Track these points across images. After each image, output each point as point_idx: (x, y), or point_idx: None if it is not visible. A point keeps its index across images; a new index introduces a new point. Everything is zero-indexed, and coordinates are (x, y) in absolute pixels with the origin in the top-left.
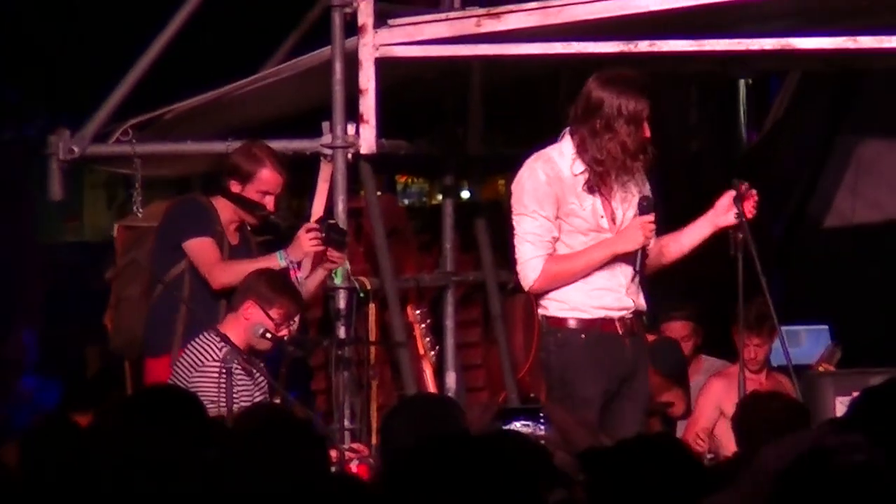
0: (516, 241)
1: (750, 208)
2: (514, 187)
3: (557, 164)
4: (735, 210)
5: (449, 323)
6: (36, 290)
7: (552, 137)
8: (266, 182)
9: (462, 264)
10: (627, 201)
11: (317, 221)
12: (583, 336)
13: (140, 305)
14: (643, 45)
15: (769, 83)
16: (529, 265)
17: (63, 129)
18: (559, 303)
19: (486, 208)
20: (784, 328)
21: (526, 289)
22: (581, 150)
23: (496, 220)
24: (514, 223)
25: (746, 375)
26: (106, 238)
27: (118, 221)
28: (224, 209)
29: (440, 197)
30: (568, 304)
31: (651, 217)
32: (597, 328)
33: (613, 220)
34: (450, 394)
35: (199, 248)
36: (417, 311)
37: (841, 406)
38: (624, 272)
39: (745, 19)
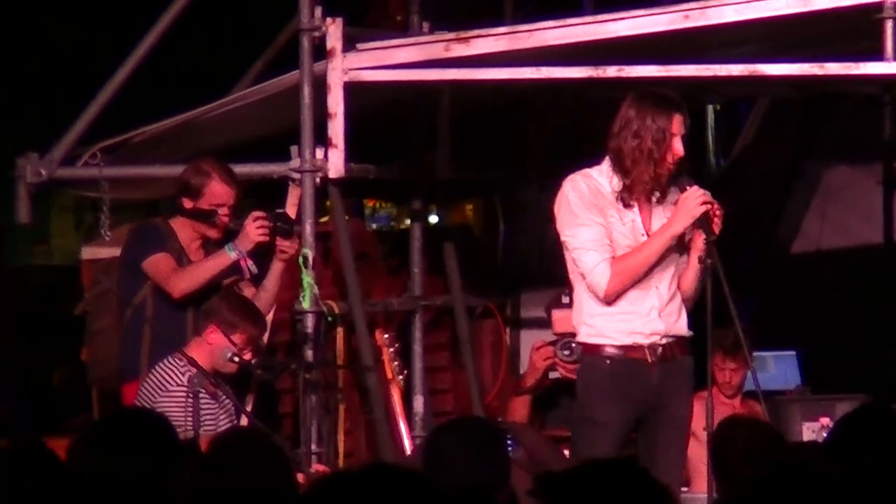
0: (577, 255)
1: (716, 226)
2: (557, 206)
3: (596, 179)
4: (703, 238)
5: (417, 347)
6: (5, 314)
7: (522, 162)
8: (216, 195)
9: (430, 289)
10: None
11: (264, 211)
12: (608, 362)
13: (113, 336)
14: (611, 71)
15: (738, 109)
16: (597, 272)
17: (31, 153)
18: (588, 327)
19: (455, 233)
20: (753, 354)
21: (601, 296)
22: (615, 166)
23: (464, 245)
24: (568, 238)
25: (721, 400)
26: (74, 261)
27: (86, 245)
28: (182, 228)
29: (408, 221)
30: (595, 330)
31: (696, 188)
32: (623, 355)
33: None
34: (417, 418)
35: (155, 263)
36: (385, 336)
37: (808, 431)
38: (656, 295)
39: (713, 45)
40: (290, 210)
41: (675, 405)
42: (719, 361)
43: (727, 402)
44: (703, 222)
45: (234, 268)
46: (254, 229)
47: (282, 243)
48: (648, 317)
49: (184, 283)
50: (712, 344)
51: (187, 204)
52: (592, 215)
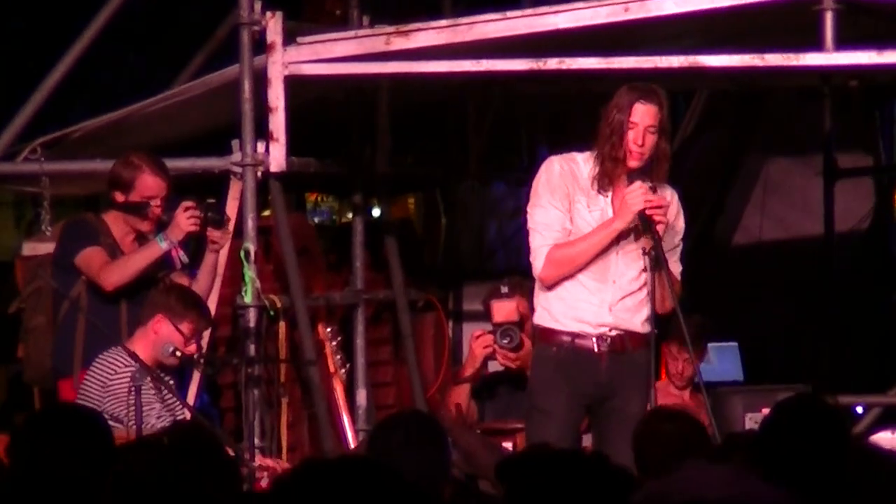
0: (530, 235)
1: (661, 215)
2: (534, 182)
3: (576, 162)
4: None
5: (359, 341)
6: None
7: (460, 158)
8: (148, 187)
9: (372, 283)
10: None
11: (194, 201)
12: (554, 349)
13: (47, 334)
14: (552, 63)
15: (676, 102)
16: (536, 254)
17: None
18: (542, 309)
19: (396, 227)
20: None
21: (536, 278)
22: (594, 150)
23: (406, 239)
24: (528, 217)
25: (671, 391)
26: (14, 258)
27: (27, 240)
28: (115, 223)
29: (350, 215)
30: (549, 314)
31: (637, 183)
32: (569, 343)
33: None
34: (360, 412)
35: (86, 258)
36: (328, 329)
37: (750, 422)
38: (615, 289)
39: (653, 38)
40: (231, 204)
41: (623, 399)
42: (675, 351)
43: (676, 393)
44: (643, 221)
45: (166, 259)
46: (184, 219)
47: (213, 234)
48: (599, 308)
49: (115, 275)
50: (671, 332)
51: (119, 198)
52: (553, 199)
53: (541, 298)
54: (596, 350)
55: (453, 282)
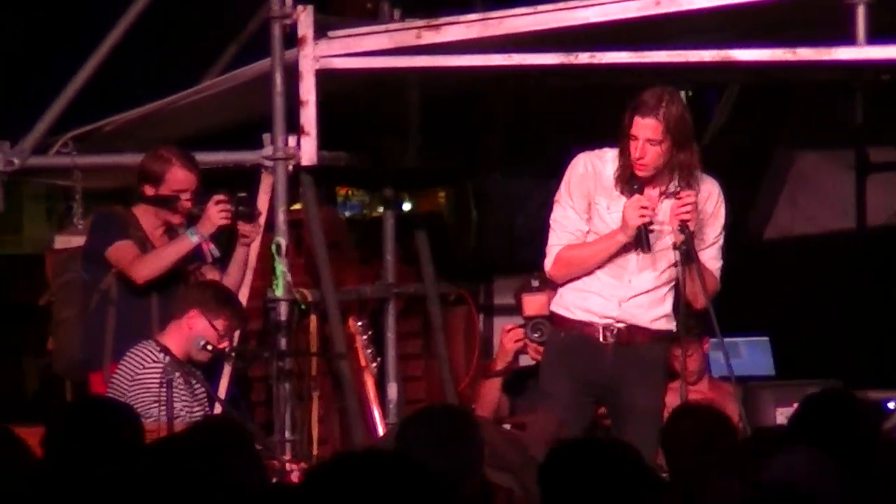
0: (551, 229)
1: (687, 214)
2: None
3: (604, 160)
4: (680, 216)
5: (390, 335)
6: None
7: (489, 150)
8: (178, 181)
9: (403, 276)
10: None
11: (225, 194)
12: (562, 335)
13: (77, 327)
14: (583, 57)
15: (707, 96)
16: (548, 251)
17: (2, 141)
18: (558, 297)
19: (427, 220)
20: (725, 340)
21: (546, 275)
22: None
23: (436, 233)
24: (552, 211)
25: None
26: (45, 251)
27: (58, 233)
28: (145, 216)
29: (380, 209)
30: (562, 301)
31: (638, 197)
32: (577, 329)
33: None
34: (391, 405)
35: (117, 251)
36: (359, 323)
37: (781, 417)
38: (629, 288)
39: (684, 31)
40: (263, 198)
41: (630, 395)
42: (673, 350)
43: (692, 388)
44: (640, 235)
45: (197, 253)
46: (216, 212)
47: (243, 227)
48: (608, 302)
49: (146, 269)
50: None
51: (149, 191)
52: (571, 199)
53: (559, 288)
54: (602, 340)
55: (484, 275)
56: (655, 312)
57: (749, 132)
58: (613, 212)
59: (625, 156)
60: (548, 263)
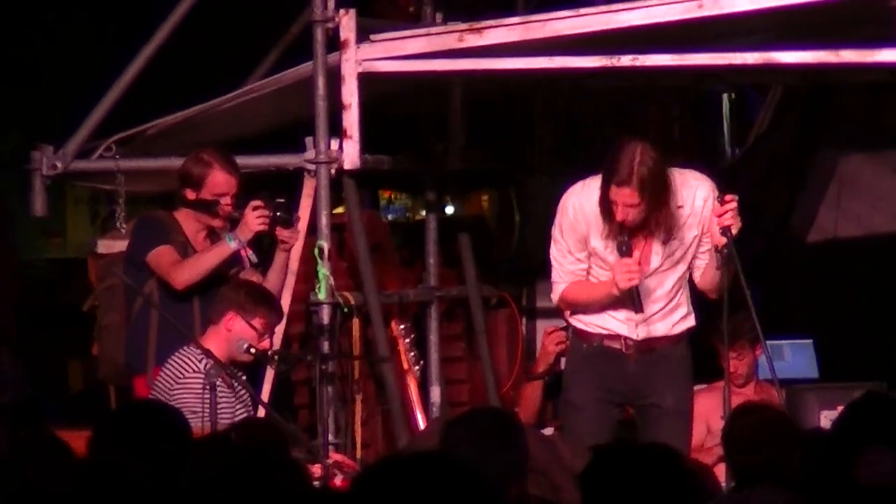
0: (552, 261)
1: (731, 219)
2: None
3: (590, 196)
4: (720, 226)
5: (433, 338)
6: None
7: (531, 153)
8: (218, 184)
9: (445, 279)
10: (658, 243)
11: (263, 200)
12: (583, 345)
13: (120, 332)
14: (626, 60)
15: (751, 97)
16: (553, 287)
17: (46, 146)
18: (575, 310)
19: (469, 223)
20: (768, 342)
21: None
22: None
23: (479, 235)
24: (551, 244)
25: (733, 391)
26: (89, 255)
27: (101, 238)
28: (186, 220)
29: (423, 212)
30: (579, 317)
31: (627, 260)
32: (598, 340)
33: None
34: (434, 408)
35: (157, 256)
36: (401, 326)
37: (825, 420)
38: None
39: (726, 33)
40: (305, 202)
41: (658, 395)
42: (722, 352)
43: (738, 391)
44: (632, 295)
45: (236, 258)
46: (253, 218)
47: (282, 233)
48: (624, 324)
49: (185, 274)
50: (713, 336)
51: (190, 195)
52: (566, 241)
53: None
54: (623, 350)
55: (526, 278)
56: (673, 318)
57: (792, 134)
58: (610, 251)
59: (608, 217)
60: (553, 298)
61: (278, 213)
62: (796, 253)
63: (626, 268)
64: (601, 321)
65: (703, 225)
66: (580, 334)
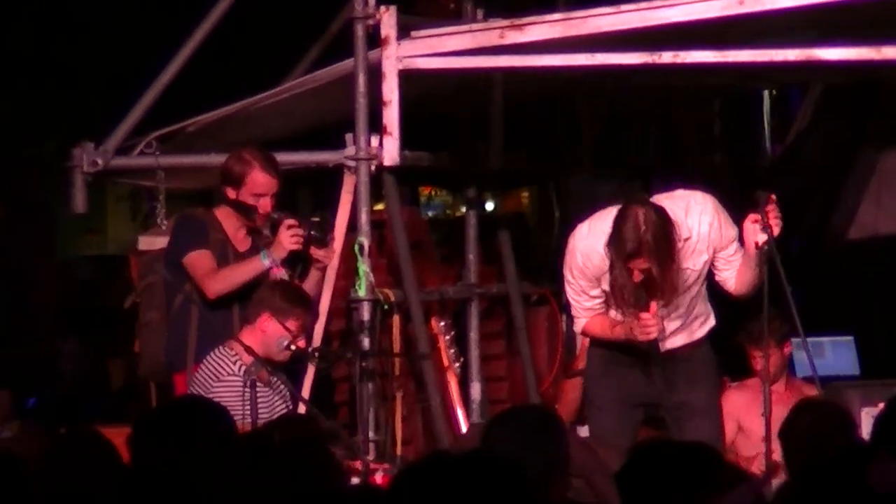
0: (569, 297)
1: (773, 219)
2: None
3: (598, 240)
4: (760, 224)
5: (473, 335)
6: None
7: (573, 150)
8: (258, 184)
9: (485, 276)
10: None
11: (297, 219)
12: (604, 349)
13: (161, 329)
14: (667, 56)
15: (791, 95)
16: (575, 319)
17: (87, 142)
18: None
19: (509, 220)
20: (808, 339)
21: None
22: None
23: (519, 232)
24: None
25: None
26: (130, 252)
27: (142, 234)
28: (227, 218)
29: (463, 209)
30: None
31: (646, 315)
32: (619, 345)
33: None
34: (474, 405)
35: (193, 261)
36: (441, 323)
37: (867, 416)
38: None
39: (768, 30)
40: (345, 198)
41: (687, 393)
42: (751, 351)
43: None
44: (650, 346)
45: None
46: (287, 238)
47: (317, 252)
48: (642, 343)
49: (218, 285)
50: (740, 335)
51: (230, 193)
52: (578, 281)
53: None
54: (647, 355)
55: None
56: (692, 329)
57: (833, 131)
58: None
59: (624, 288)
60: (577, 329)
61: (312, 233)
62: (837, 250)
63: (644, 323)
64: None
65: (713, 247)
66: (600, 340)
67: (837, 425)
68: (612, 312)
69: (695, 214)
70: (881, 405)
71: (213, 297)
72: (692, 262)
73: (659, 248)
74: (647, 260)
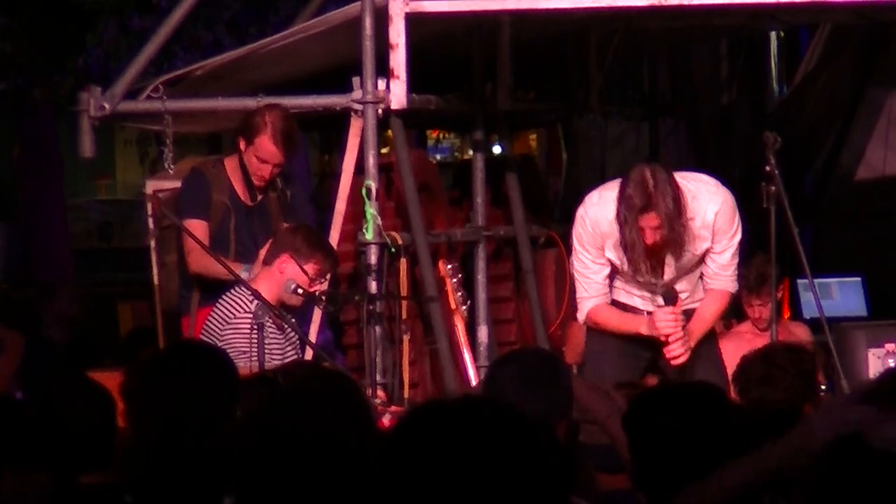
0: (575, 273)
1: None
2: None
3: (605, 207)
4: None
5: (480, 277)
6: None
7: (581, 92)
8: (264, 150)
9: (493, 219)
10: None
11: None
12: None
13: (177, 271)
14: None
15: (799, 36)
16: (580, 305)
17: (94, 87)
18: None
19: (517, 163)
20: (816, 280)
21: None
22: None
23: (527, 175)
24: (571, 260)
25: (757, 334)
26: (138, 195)
27: (150, 178)
28: (234, 172)
29: (471, 152)
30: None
31: (668, 309)
32: (620, 307)
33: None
34: (481, 348)
35: (187, 229)
36: (449, 266)
37: (873, 357)
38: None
39: None
40: (352, 142)
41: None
42: (747, 298)
43: (762, 334)
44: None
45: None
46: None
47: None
48: (646, 301)
49: (197, 266)
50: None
51: (241, 144)
52: (587, 251)
53: None
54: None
55: (574, 217)
56: (693, 300)
57: (841, 72)
58: (624, 263)
59: (635, 247)
60: (580, 317)
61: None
62: (845, 190)
63: (666, 316)
64: (622, 298)
65: (711, 237)
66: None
67: (789, 359)
68: (619, 283)
69: (703, 201)
70: (887, 346)
71: (192, 275)
72: (693, 248)
73: (666, 202)
74: (657, 215)
